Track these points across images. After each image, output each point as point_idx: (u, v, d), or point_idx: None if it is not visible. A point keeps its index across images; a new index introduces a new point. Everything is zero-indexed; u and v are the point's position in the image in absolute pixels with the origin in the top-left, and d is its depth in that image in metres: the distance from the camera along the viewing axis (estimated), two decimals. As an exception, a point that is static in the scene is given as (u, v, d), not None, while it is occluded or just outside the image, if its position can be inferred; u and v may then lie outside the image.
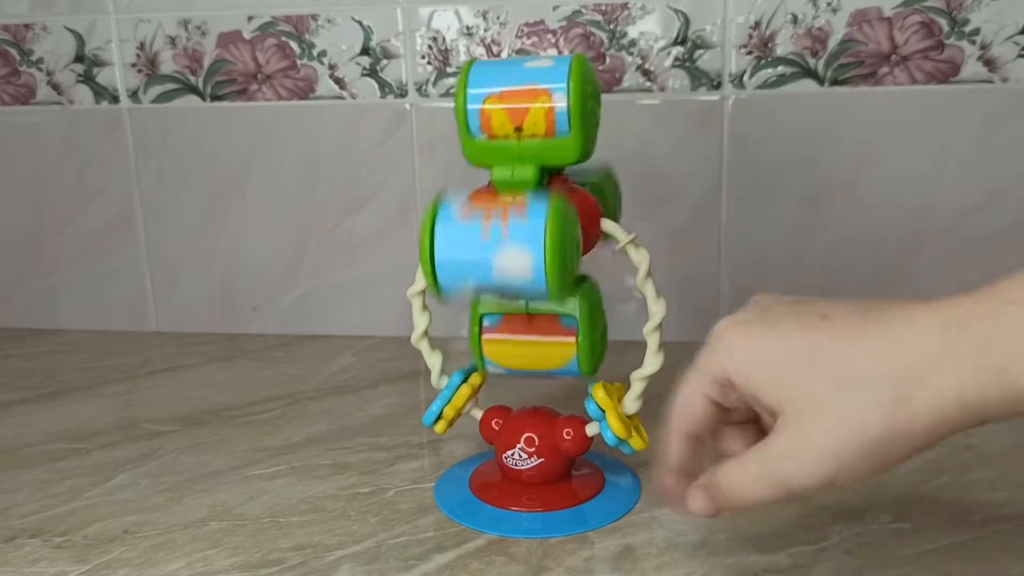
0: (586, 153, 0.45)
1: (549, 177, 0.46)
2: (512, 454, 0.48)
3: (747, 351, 0.35)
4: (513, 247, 0.40)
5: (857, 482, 0.33)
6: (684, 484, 0.39)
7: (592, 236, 0.46)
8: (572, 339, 0.46)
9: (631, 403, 0.46)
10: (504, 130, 0.44)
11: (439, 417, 0.49)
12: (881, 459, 0.33)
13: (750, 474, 0.35)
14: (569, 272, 0.42)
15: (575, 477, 0.50)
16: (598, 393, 0.46)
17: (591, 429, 0.47)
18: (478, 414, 0.50)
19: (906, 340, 0.32)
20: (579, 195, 0.46)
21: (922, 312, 0.32)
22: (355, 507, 0.49)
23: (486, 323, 0.47)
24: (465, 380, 0.50)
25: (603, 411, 0.46)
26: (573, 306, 0.46)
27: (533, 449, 0.48)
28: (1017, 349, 0.30)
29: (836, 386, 0.33)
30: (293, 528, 0.47)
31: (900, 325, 0.32)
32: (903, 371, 0.32)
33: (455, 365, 0.50)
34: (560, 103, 0.43)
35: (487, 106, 0.44)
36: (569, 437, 0.47)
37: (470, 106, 0.44)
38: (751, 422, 0.39)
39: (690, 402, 0.38)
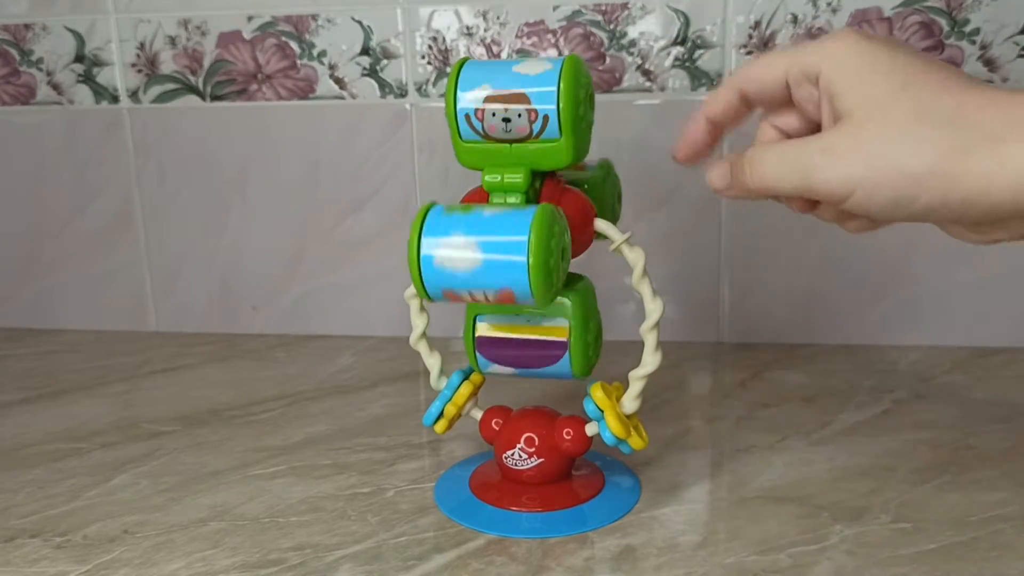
0: (579, 156, 0.45)
1: (542, 178, 0.46)
2: (512, 454, 0.48)
3: (854, 54, 0.35)
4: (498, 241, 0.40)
5: (867, 207, 0.34)
6: (708, 137, 0.41)
7: (586, 236, 0.46)
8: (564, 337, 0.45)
9: (630, 402, 0.46)
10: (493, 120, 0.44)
11: (440, 416, 0.49)
12: (903, 195, 0.33)
13: (781, 153, 0.36)
14: (553, 277, 0.42)
15: (575, 477, 0.50)
16: (596, 393, 0.46)
17: (591, 429, 0.47)
18: (478, 414, 0.50)
19: (1002, 105, 0.32)
20: (572, 195, 0.46)
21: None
22: (355, 507, 0.49)
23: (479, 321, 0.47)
24: (465, 379, 0.50)
25: (601, 411, 0.46)
26: (566, 308, 0.46)
27: (533, 449, 0.48)
28: None
29: (916, 110, 0.33)
30: (293, 528, 0.47)
31: (1005, 94, 0.33)
32: (985, 126, 0.32)
33: (454, 366, 0.50)
34: (549, 106, 0.43)
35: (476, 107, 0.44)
36: (569, 437, 0.47)
37: (460, 105, 0.44)
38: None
39: (767, 66, 0.38)
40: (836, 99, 0.35)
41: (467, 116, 0.44)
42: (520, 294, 0.41)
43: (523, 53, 0.72)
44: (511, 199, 0.44)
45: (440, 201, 0.44)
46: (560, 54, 0.72)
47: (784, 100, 0.39)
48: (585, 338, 0.46)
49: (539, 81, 0.43)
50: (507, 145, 0.44)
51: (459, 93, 0.44)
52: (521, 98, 0.43)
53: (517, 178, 0.44)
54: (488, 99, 0.43)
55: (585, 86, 0.44)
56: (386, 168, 0.76)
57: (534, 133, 0.43)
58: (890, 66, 0.34)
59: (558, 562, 0.43)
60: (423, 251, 0.41)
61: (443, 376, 0.50)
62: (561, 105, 0.43)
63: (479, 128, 0.44)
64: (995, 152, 0.31)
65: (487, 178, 0.45)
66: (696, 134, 0.41)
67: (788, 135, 0.40)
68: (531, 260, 0.40)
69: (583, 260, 0.48)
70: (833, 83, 0.35)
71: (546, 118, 0.43)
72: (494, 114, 0.43)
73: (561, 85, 0.42)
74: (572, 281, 0.47)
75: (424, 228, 0.41)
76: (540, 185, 0.46)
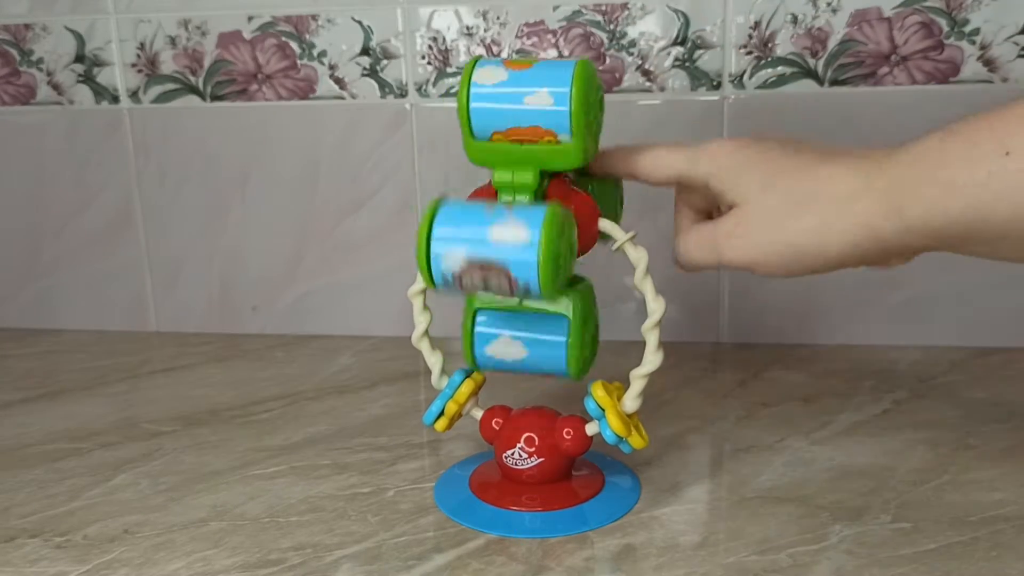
0: (587, 158, 0.45)
1: (549, 179, 0.46)
2: (512, 454, 0.48)
3: (730, 161, 0.44)
4: (512, 220, 0.41)
5: (770, 272, 0.43)
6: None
7: (590, 236, 0.46)
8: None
9: (631, 402, 0.46)
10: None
11: (440, 414, 0.49)
12: (791, 261, 0.42)
13: (698, 239, 0.45)
14: (561, 268, 0.42)
15: (575, 477, 0.50)
16: (597, 392, 0.46)
17: (591, 428, 0.47)
18: (478, 414, 0.50)
19: (843, 178, 0.41)
20: (578, 196, 0.46)
21: (859, 161, 0.41)
22: (355, 507, 0.49)
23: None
24: (467, 377, 0.50)
25: (603, 410, 0.46)
26: (566, 305, 0.46)
27: (533, 449, 0.48)
28: (911, 197, 0.39)
29: (783, 200, 0.42)
30: (293, 528, 0.47)
31: (844, 166, 0.41)
32: (834, 199, 0.41)
33: (455, 365, 0.50)
34: (562, 110, 0.43)
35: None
36: (569, 437, 0.47)
37: (473, 104, 0.45)
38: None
39: (656, 168, 0.47)
40: (724, 195, 0.44)
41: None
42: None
43: (523, 53, 0.72)
44: (520, 197, 0.45)
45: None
46: (560, 54, 0.72)
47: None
48: (582, 338, 0.46)
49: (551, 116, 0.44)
50: (518, 145, 0.45)
51: (472, 89, 0.45)
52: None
53: (527, 177, 0.45)
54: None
55: (596, 90, 0.45)
56: (386, 168, 0.76)
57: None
58: (757, 162, 0.43)
59: (558, 562, 0.43)
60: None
61: (444, 375, 0.50)
62: (573, 108, 0.43)
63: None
64: (845, 218, 0.40)
65: (497, 177, 0.45)
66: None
67: (697, 210, 0.49)
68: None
69: (584, 259, 0.48)
70: (718, 185, 0.44)
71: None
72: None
73: (573, 89, 0.43)
74: (573, 282, 0.47)
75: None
76: (547, 185, 0.46)
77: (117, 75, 0.78)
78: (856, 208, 0.40)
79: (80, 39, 0.78)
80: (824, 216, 0.41)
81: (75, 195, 0.81)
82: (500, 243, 0.41)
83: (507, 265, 0.41)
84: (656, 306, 0.45)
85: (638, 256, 0.45)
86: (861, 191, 0.40)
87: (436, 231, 0.42)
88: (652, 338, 0.45)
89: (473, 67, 0.45)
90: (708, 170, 0.45)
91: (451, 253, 0.41)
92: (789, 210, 0.42)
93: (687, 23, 0.70)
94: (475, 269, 0.41)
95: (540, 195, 0.46)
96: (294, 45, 0.75)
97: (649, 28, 0.70)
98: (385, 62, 0.74)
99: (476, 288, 0.43)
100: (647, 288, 0.45)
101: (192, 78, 0.77)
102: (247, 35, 0.75)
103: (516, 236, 0.40)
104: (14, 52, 0.79)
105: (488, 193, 0.46)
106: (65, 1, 0.77)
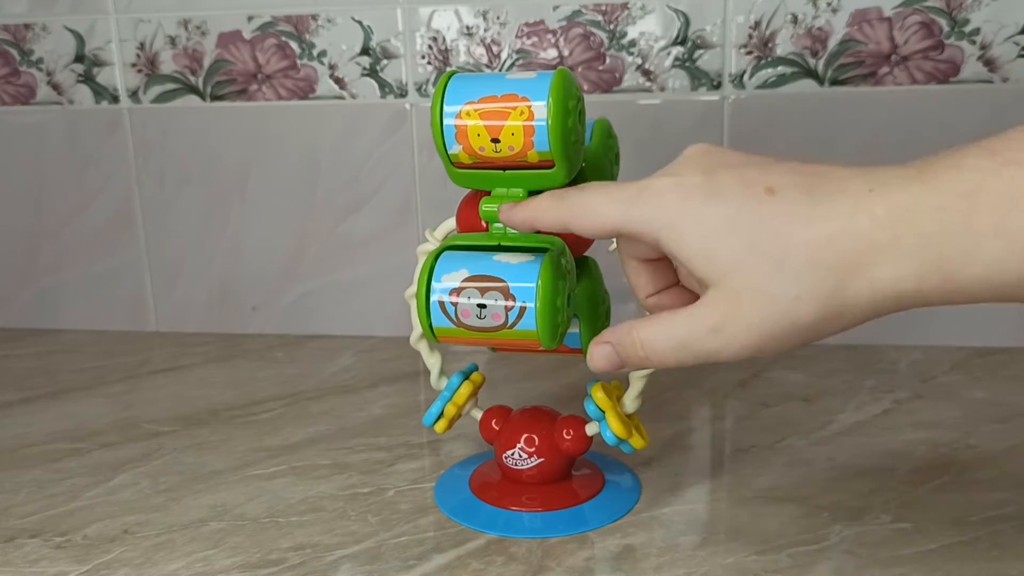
0: (572, 174, 0.43)
1: None
2: (512, 454, 0.48)
3: (686, 221, 0.33)
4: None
5: (777, 354, 0.34)
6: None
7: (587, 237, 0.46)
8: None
9: (630, 402, 0.46)
10: (480, 142, 0.42)
11: (439, 416, 0.49)
12: (808, 338, 0.32)
13: (673, 340, 0.34)
14: (561, 324, 0.42)
15: (575, 477, 0.50)
16: (597, 393, 0.46)
17: (591, 429, 0.47)
18: (478, 414, 0.50)
19: (851, 229, 0.31)
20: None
21: (867, 199, 0.31)
22: (355, 507, 0.49)
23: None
24: (465, 379, 0.50)
25: (602, 412, 0.46)
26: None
27: (533, 449, 0.48)
28: (958, 249, 0.29)
29: (774, 269, 0.31)
30: (293, 528, 0.47)
31: (847, 209, 0.31)
32: (843, 260, 0.31)
33: (454, 366, 0.50)
34: (540, 116, 0.41)
35: (460, 121, 0.42)
36: (569, 437, 0.48)
37: (446, 122, 0.42)
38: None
39: (595, 220, 0.35)
40: (691, 269, 0.33)
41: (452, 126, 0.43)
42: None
43: (523, 53, 0.72)
44: (511, 229, 0.44)
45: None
46: (560, 55, 0.72)
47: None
48: (594, 326, 0.46)
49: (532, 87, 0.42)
50: (500, 171, 0.43)
51: (445, 107, 0.42)
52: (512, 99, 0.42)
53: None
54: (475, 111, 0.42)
55: (574, 97, 0.42)
56: (386, 168, 0.76)
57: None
58: (719, 219, 0.32)
59: (558, 562, 0.43)
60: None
61: (443, 376, 0.50)
62: (551, 123, 0.41)
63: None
64: (864, 281, 0.31)
65: (484, 208, 0.43)
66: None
67: (644, 260, 0.39)
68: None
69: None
70: (678, 253, 0.33)
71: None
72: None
73: (551, 101, 0.41)
74: (577, 264, 0.46)
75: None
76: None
77: (117, 75, 0.78)
78: (874, 273, 0.31)
79: (80, 39, 0.78)
80: (835, 285, 0.31)
81: (75, 195, 0.81)
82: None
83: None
84: (655, 306, 0.45)
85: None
86: (881, 251, 0.30)
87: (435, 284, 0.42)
88: (652, 338, 0.45)
89: (447, 83, 0.43)
90: (653, 231, 0.34)
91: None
92: (790, 284, 0.31)
93: (687, 23, 0.70)
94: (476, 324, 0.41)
95: None
96: (294, 45, 0.75)
97: (649, 28, 0.70)
98: (385, 62, 0.74)
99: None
100: (647, 288, 0.45)
101: (192, 78, 0.77)
102: (247, 35, 0.75)
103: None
104: (14, 52, 0.79)
105: (476, 201, 0.46)
106: (65, 1, 0.77)
